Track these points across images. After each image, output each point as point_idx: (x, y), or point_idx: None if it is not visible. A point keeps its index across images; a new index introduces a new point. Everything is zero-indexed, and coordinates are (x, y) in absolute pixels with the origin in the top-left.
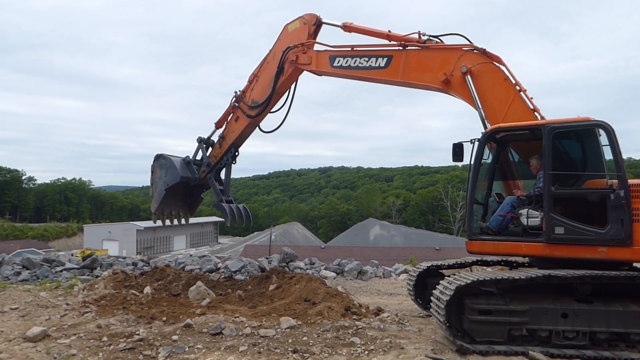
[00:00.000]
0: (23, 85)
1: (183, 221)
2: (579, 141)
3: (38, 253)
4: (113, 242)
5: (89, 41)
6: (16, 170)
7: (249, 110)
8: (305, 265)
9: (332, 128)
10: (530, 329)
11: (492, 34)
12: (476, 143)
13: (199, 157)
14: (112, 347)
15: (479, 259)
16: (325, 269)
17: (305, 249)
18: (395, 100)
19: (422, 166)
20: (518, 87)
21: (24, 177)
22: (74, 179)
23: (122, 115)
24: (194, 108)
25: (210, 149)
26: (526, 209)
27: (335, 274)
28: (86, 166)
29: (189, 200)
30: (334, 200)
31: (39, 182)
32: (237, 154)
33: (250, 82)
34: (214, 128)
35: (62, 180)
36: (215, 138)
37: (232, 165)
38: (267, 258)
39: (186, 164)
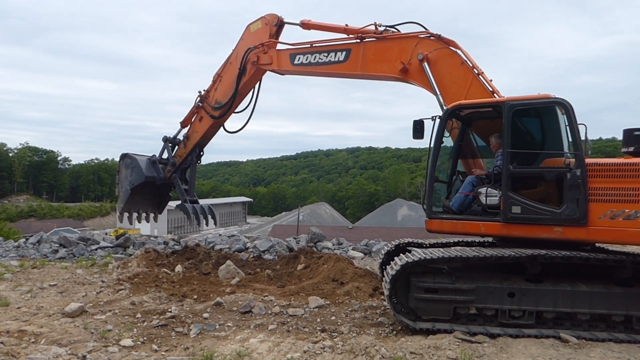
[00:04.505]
0: (55, 66)
1: (152, 218)
2: (538, 119)
3: (74, 232)
4: (144, 221)
5: (119, 21)
6: (52, 151)
7: (213, 111)
8: (333, 245)
9: (359, 108)
10: (477, 307)
11: (524, 8)
12: (437, 120)
13: (165, 156)
14: (145, 323)
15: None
16: (352, 249)
17: (333, 229)
18: None
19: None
20: (476, 70)
21: (59, 158)
22: (107, 159)
23: (152, 96)
24: None
25: (176, 147)
26: (485, 188)
27: (363, 255)
28: (118, 147)
29: (157, 198)
30: (361, 180)
31: (73, 162)
32: (202, 153)
33: (214, 82)
34: (179, 127)
35: (96, 161)
36: (181, 137)
37: (197, 164)
38: (295, 238)
39: (152, 163)
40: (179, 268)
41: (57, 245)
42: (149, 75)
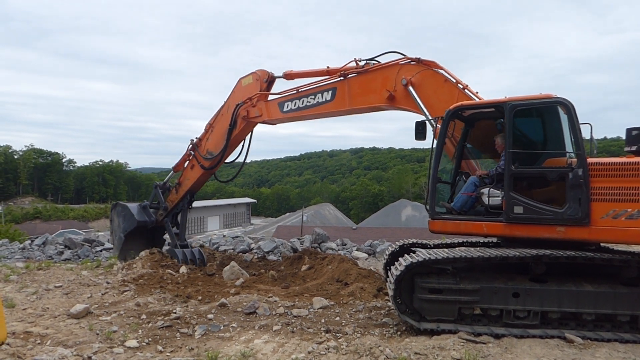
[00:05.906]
0: (59, 68)
1: None
2: (540, 119)
3: (79, 233)
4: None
5: (121, 23)
6: (57, 153)
7: (204, 161)
8: (337, 246)
9: None
10: (481, 308)
11: (527, 8)
12: (439, 122)
13: (156, 201)
14: (150, 324)
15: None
16: (357, 249)
17: (337, 229)
18: None
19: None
20: (460, 85)
21: (64, 160)
22: (111, 161)
23: (154, 97)
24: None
25: (167, 192)
26: (488, 188)
27: (367, 255)
28: (122, 148)
29: (151, 239)
30: (365, 181)
31: (78, 164)
32: (192, 199)
33: (206, 131)
34: (171, 172)
35: (100, 163)
36: (171, 182)
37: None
38: (299, 239)
39: (142, 209)
40: (183, 269)
41: (62, 246)
42: (151, 76)
